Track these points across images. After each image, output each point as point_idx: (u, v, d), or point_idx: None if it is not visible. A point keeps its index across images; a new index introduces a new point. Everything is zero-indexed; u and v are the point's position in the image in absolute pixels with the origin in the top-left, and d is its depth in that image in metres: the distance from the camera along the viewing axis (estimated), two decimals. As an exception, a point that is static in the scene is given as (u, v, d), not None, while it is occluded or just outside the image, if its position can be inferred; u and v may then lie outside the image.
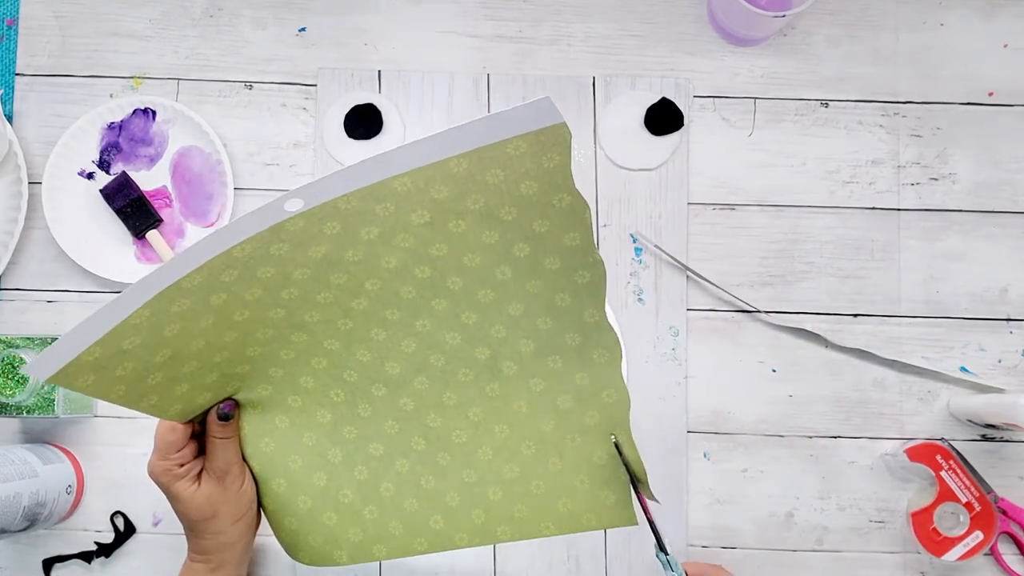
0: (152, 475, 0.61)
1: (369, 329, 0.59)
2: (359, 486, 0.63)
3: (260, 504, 0.64)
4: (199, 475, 0.61)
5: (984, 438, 0.78)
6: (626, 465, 0.61)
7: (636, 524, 0.63)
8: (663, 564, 0.59)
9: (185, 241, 0.79)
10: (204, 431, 0.62)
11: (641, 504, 0.61)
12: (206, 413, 0.62)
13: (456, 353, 0.60)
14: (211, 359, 0.58)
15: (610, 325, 0.59)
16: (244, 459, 0.63)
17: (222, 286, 0.54)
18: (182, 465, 0.60)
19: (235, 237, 0.51)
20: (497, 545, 0.75)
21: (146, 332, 0.53)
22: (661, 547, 0.59)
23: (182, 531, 0.77)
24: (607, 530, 0.73)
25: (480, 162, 0.51)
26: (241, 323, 0.57)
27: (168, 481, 0.60)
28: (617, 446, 0.61)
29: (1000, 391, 0.78)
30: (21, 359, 0.72)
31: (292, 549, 0.65)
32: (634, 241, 0.79)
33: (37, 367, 0.51)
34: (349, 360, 0.61)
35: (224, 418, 0.61)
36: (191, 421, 0.61)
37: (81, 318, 0.51)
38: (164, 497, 0.77)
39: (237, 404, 0.62)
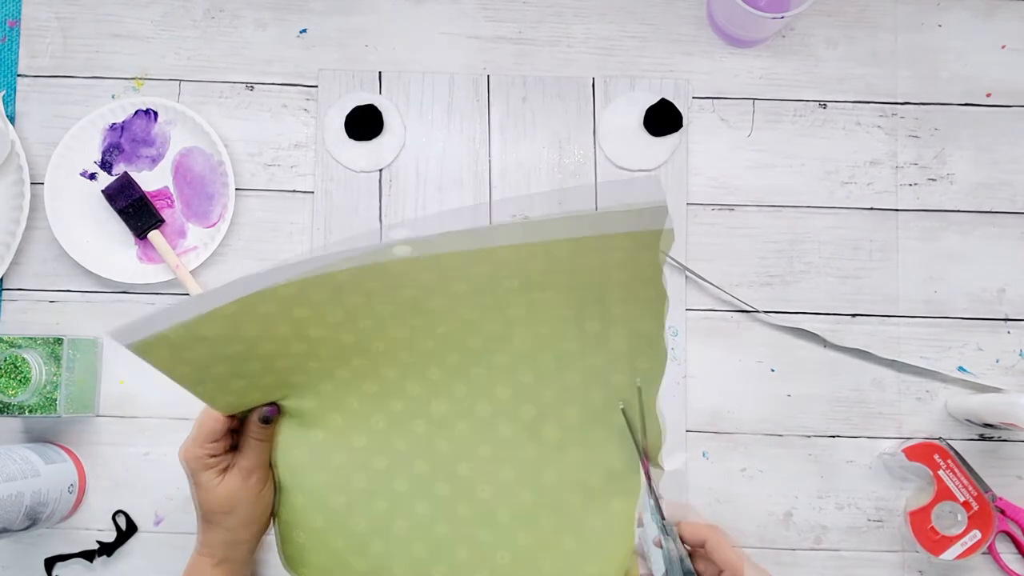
0: (183, 458, 0.61)
1: (427, 367, 0.60)
2: (374, 518, 0.63)
3: (273, 512, 0.64)
4: (226, 469, 0.62)
5: (982, 437, 0.78)
6: (633, 435, 0.60)
7: None
8: (659, 529, 0.59)
9: (186, 241, 0.79)
10: (241, 428, 0.63)
11: (644, 469, 0.60)
12: (248, 412, 0.62)
13: (503, 407, 0.60)
14: (273, 363, 0.59)
15: (656, 416, 0.59)
16: (271, 464, 0.64)
17: (309, 303, 0.55)
18: (213, 456, 0.61)
19: (338, 263, 0.52)
20: None
21: (228, 325, 0.54)
22: (660, 512, 0.59)
23: (183, 531, 0.77)
24: None
25: (581, 250, 0.52)
26: (313, 339, 0.58)
27: (197, 468, 0.61)
28: (624, 412, 0.59)
29: (998, 391, 0.78)
30: (23, 359, 0.72)
31: (294, 563, 0.65)
32: (633, 241, 0.80)
33: (122, 333, 0.52)
34: (399, 391, 0.61)
35: (265, 421, 0.62)
36: (233, 416, 0.62)
37: (162, 303, 0.51)
38: (164, 497, 0.78)
39: (280, 410, 0.63)
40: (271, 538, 0.65)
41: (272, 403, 0.62)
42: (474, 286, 0.56)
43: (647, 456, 0.60)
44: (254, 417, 0.62)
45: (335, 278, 0.53)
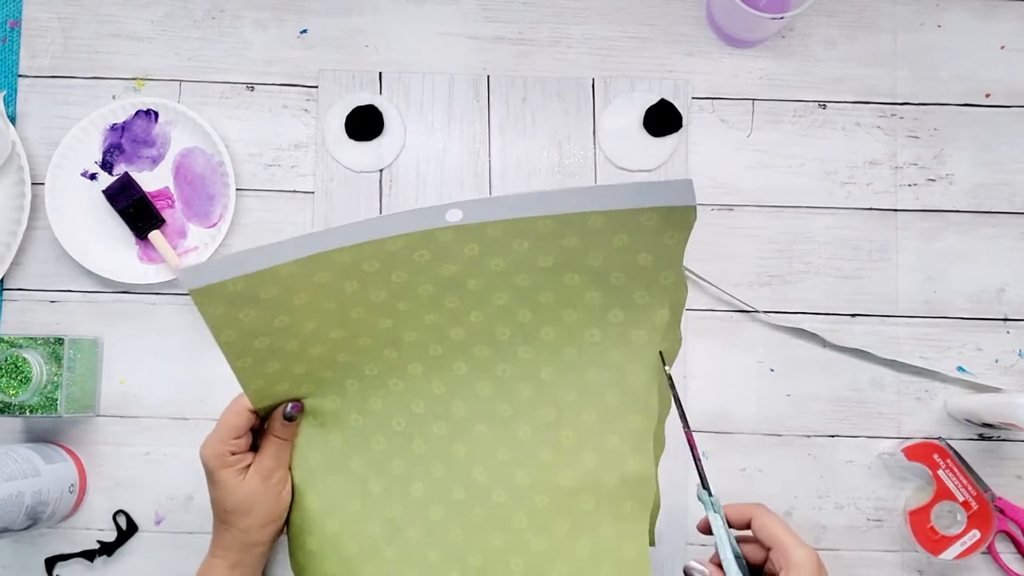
0: (204, 456, 0.61)
1: (454, 360, 0.61)
2: (388, 524, 0.62)
3: (288, 518, 0.64)
4: (246, 468, 0.62)
5: (981, 437, 0.78)
6: (679, 407, 0.59)
7: None
8: (705, 505, 0.57)
9: (187, 242, 0.79)
10: (262, 428, 0.63)
11: (688, 441, 0.59)
12: (271, 410, 0.62)
13: (524, 407, 0.60)
14: (309, 349, 0.59)
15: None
16: (289, 467, 0.64)
17: (360, 275, 0.55)
18: (235, 453, 0.61)
19: (393, 227, 0.54)
20: None
21: (284, 288, 0.55)
22: (704, 486, 0.58)
23: (184, 530, 0.78)
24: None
25: (613, 223, 0.54)
26: (353, 321, 0.58)
27: (217, 466, 0.61)
28: (670, 377, 0.59)
29: (997, 391, 0.78)
30: (24, 359, 0.72)
31: (304, 571, 0.64)
32: (633, 241, 0.80)
33: (188, 275, 0.52)
34: (422, 390, 0.61)
35: (289, 418, 0.62)
36: (255, 413, 0.62)
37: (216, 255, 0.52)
38: (165, 497, 0.78)
39: (303, 408, 0.63)
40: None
41: (296, 400, 0.62)
42: (512, 262, 0.56)
43: (688, 429, 0.59)
44: (278, 414, 0.62)
45: (386, 246, 0.54)
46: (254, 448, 0.63)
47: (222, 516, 0.62)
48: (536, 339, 0.59)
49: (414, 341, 0.60)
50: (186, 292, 0.78)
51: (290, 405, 0.62)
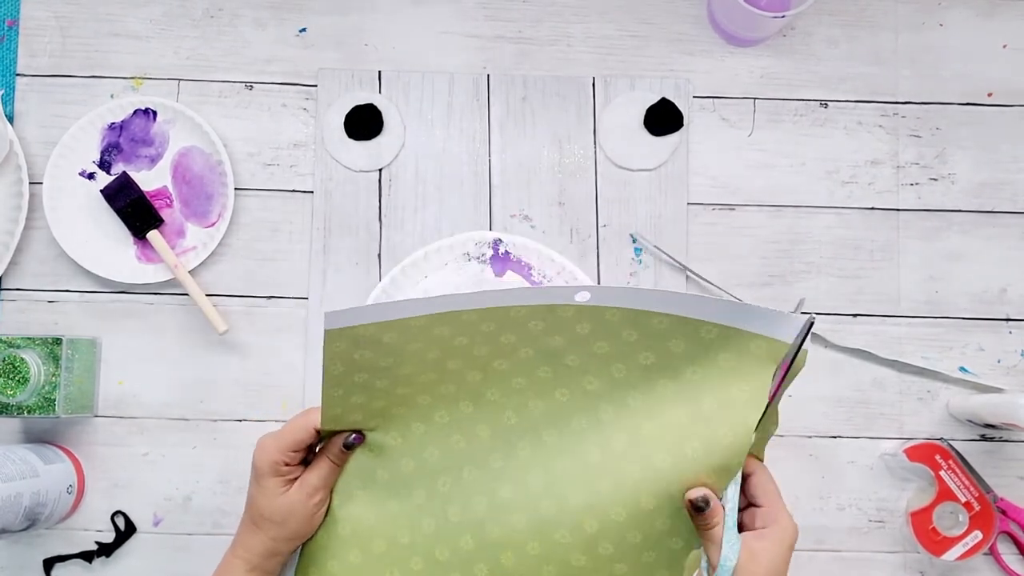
0: (258, 458, 0.62)
1: (521, 438, 0.61)
2: (408, 574, 0.63)
3: (313, 535, 0.65)
4: (292, 480, 0.63)
5: (983, 438, 0.78)
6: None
7: None
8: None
9: (185, 241, 0.79)
10: (318, 445, 0.64)
11: (776, 386, 0.59)
12: (335, 433, 0.63)
13: (564, 518, 0.60)
14: (396, 388, 0.60)
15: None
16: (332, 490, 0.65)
17: (475, 332, 0.58)
18: (288, 465, 0.62)
19: (524, 299, 0.56)
20: None
21: (405, 336, 0.57)
22: None
23: (182, 531, 0.77)
24: None
25: (721, 341, 0.56)
26: (448, 371, 0.60)
27: (268, 472, 0.62)
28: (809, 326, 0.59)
29: (999, 391, 0.78)
30: (22, 359, 0.72)
31: None
32: (633, 241, 0.79)
33: (332, 318, 0.55)
34: (480, 459, 0.62)
35: (348, 447, 0.63)
36: (319, 432, 0.62)
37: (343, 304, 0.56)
38: (163, 498, 0.77)
39: (363, 440, 0.63)
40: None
41: (360, 431, 0.63)
42: (615, 350, 0.58)
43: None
44: (339, 440, 0.63)
45: (510, 313, 0.56)
46: (305, 462, 0.64)
47: (256, 519, 0.63)
48: (608, 446, 0.60)
49: (493, 401, 0.61)
50: (183, 293, 0.78)
51: (353, 436, 0.63)
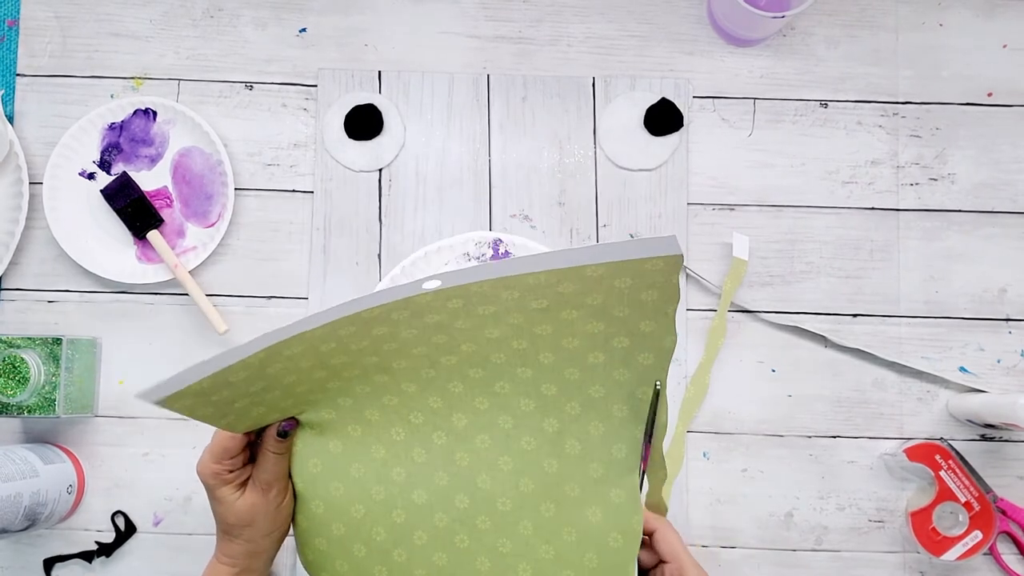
0: (201, 475, 0.61)
1: (449, 381, 0.60)
2: (393, 528, 0.63)
3: (293, 520, 0.65)
4: (245, 482, 0.62)
5: (983, 438, 0.78)
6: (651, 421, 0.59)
7: None
8: None
9: (185, 241, 0.79)
10: (258, 441, 0.63)
11: (644, 455, 0.59)
12: (265, 427, 0.62)
13: (526, 420, 0.60)
14: (294, 389, 0.59)
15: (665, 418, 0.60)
16: (289, 475, 0.64)
17: (336, 338, 0.55)
18: (231, 471, 0.61)
19: (368, 303, 0.53)
20: None
21: (254, 369, 0.55)
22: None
23: (182, 531, 0.77)
24: None
25: (615, 270, 0.53)
26: (336, 365, 0.58)
27: (215, 484, 0.61)
28: (656, 392, 0.58)
29: (1000, 391, 0.78)
30: (22, 359, 0.72)
31: (315, 569, 0.65)
32: (634, 241, 0.79)
33: (150, 394, 0.52)
34: (420, 404, 0.61)
35: (283, 435, 0.62)
36: (249, 431, 0.62)
37: (191, 359, 0.53)
38: (163, 497, 0.77)
39: (298, 423, 0.63)
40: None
41: (290, 418, 0.62)
42: (501, 307, 0.56)
43: (649, 446, 0.60)
44: (272, 432, 0.62)
45: (362, 316, 0.54)
46: (254, 458, 0.63)
47: (226, 529, 0.63)
48: (534, 362, 0.59)
49: (404, 367, 0.60)
50: (183, 293, 0.78)
51: (283, 423, 0.62)
